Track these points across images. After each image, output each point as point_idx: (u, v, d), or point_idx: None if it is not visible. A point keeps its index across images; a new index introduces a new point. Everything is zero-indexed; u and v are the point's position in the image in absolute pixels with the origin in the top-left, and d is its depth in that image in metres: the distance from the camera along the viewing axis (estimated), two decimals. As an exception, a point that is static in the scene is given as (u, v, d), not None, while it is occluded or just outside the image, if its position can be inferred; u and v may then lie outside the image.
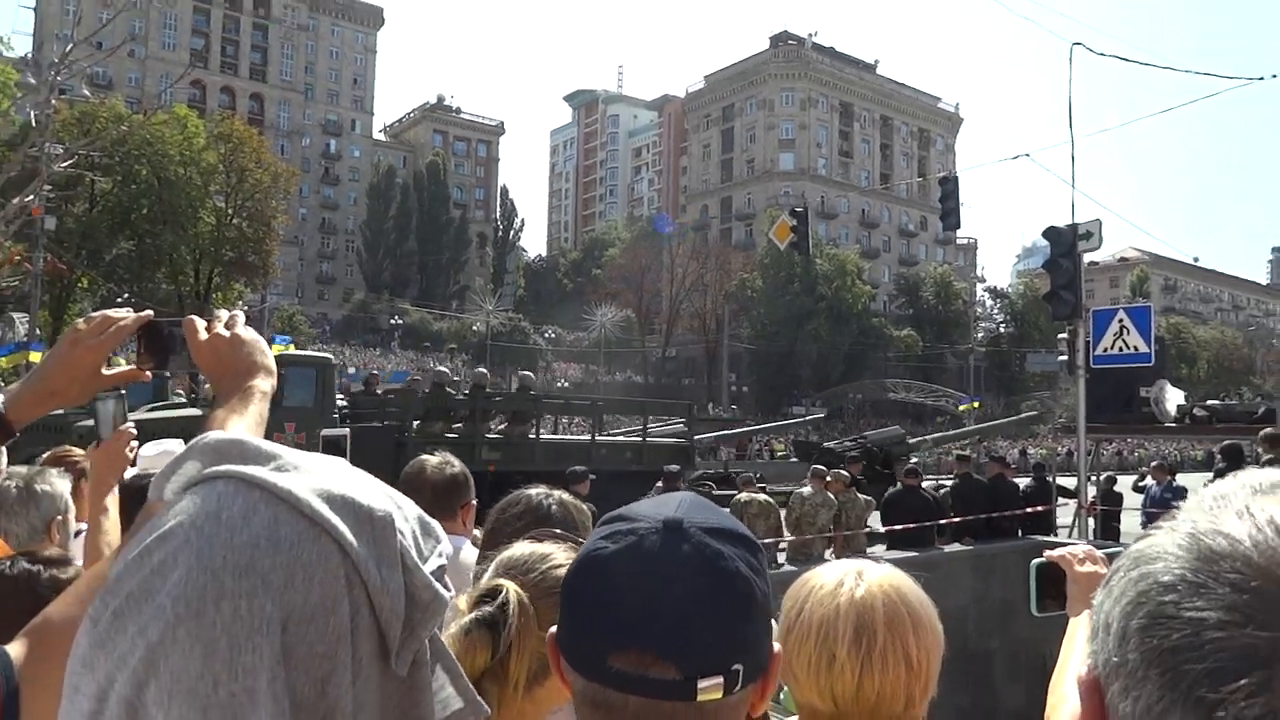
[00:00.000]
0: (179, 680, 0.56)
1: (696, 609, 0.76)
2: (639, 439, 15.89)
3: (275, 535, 0.61)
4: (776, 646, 0.85)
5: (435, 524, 0.73)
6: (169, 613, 0.57)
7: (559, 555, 1.23)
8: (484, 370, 14.26)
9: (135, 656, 0.57)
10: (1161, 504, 12.02)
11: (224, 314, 1.32)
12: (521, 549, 1.26)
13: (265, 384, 1.21)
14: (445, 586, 0.68)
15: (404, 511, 0.69)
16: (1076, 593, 1.45)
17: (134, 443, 2.05)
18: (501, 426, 14.00)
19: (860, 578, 1.26)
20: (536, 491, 2.06)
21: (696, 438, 19.23)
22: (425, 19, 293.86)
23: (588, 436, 15.15)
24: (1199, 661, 0.40)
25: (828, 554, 10.54)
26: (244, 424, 1.10)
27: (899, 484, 11.83)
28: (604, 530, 0.83)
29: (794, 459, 21.77)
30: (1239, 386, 74.00)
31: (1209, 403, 15.40)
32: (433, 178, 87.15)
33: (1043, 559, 1.52)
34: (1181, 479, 13.21)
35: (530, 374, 16.94)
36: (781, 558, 10.34)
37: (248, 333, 1.29)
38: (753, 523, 10.07)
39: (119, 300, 32.70)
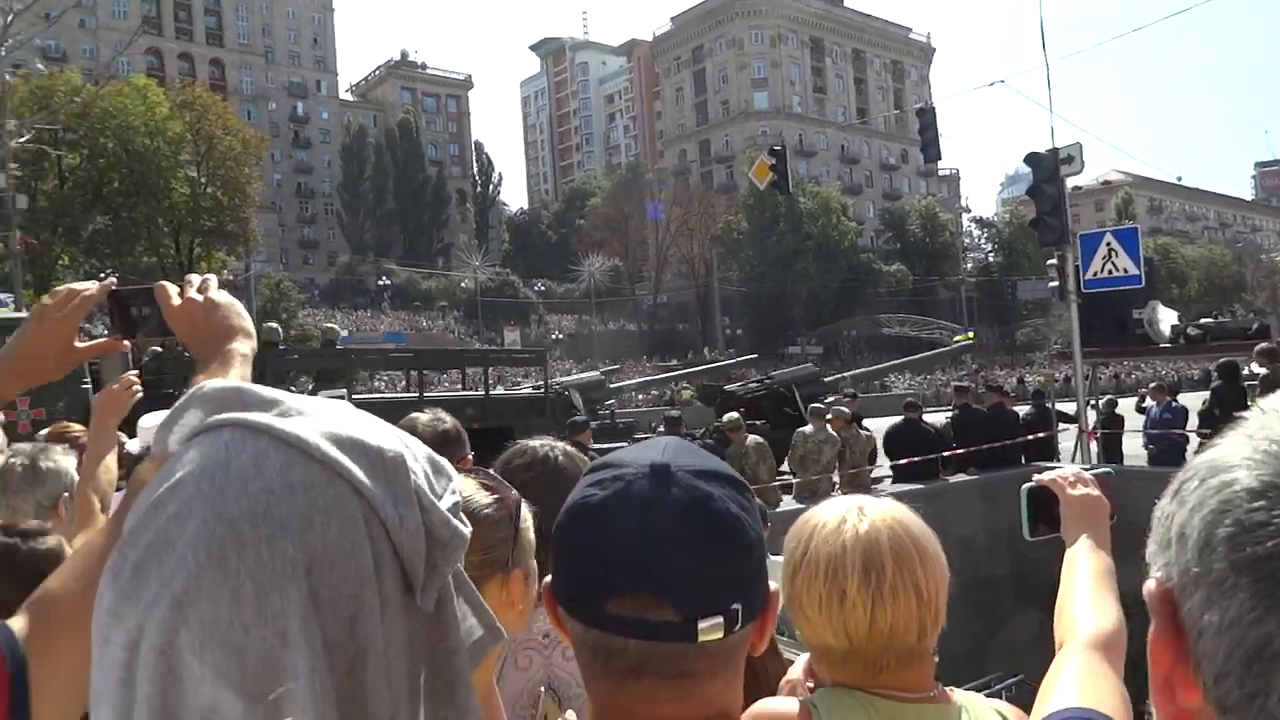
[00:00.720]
0: (210, 629, 0.56)
1: (691, 550, 0.77)
2: (481, 394, 13.52)
3: (289, 481, 0.61)
4: (774, 585, 0.85)
5: (445, 462, 0.73)
6: (190, 562, 0.58)
7: (464, 484, 1.23)
8: (274, 325, 11.79)
9: (162, 606, 0.57)
10: (1162, 424, 12.12)
11: (195, 278, 1.28)
12: None
13: (244, 346, 1.21)
14: (463, 523, 0.69)
15: (413, 451, 0.69)
16: (1070, 515, 1.43)
17: (137, 388, 2.08)
18: (310, 388, 12.11)
19: (862, 513, 1.26)
20: (540, 443, 1.99)
21: (617, 385, 18.28)
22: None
23: (415, 394, 13.01)
24: None
25: (834, 491, 10.61)
26: None
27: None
28: (591, 478, 0.83)
29: (699, 402, 20.55)
30: (1231, 304, 74.43)
31: (1202, 321, 15.45)
32: (405, 136, 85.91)
33: (1033, 484, 1.50)
34: (1181, 399, 13.30)
35: (334, 327, 14.91)
36: (788, 497, 10.41)
37: (222, 296, 1.26)
38: (755, 468, 10.13)
39: (101, 276, 32.36)
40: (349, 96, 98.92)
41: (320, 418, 0.66)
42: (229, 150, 44.06)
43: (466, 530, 0.68)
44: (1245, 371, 11.41)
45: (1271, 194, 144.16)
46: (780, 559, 1.28)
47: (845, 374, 23.40)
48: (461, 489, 0.74)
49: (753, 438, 10.48)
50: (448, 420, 2.69)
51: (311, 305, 64.24)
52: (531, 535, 1.34)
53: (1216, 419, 10.99)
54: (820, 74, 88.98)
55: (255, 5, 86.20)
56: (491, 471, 1.41)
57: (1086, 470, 1.54)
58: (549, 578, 0.84)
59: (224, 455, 0.62)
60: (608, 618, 0.77)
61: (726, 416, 10.84)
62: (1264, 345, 11.14)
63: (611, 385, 17.48)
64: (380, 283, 66.01)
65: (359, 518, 0.62)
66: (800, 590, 1.25)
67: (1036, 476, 1.52)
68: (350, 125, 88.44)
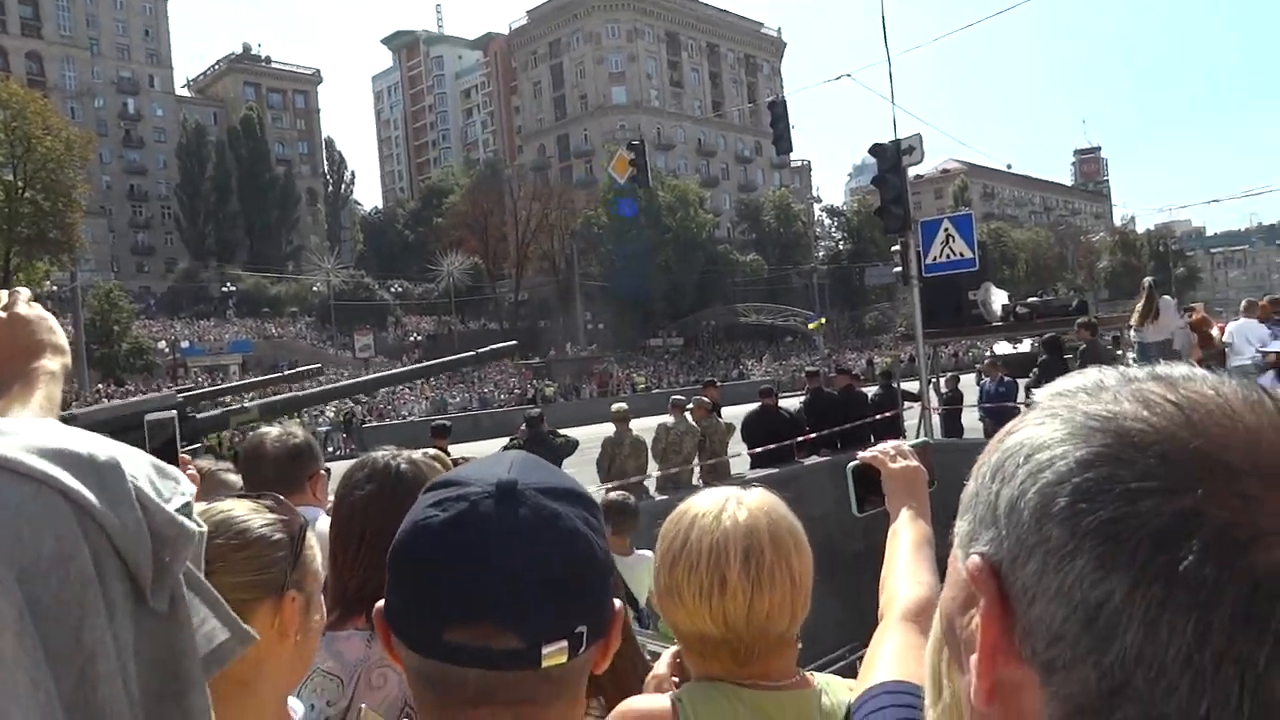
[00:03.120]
0: None
1: (535, 574, 0.73)
2: None
3: None
4: (617, 604, 0.82)
5: (171, 468, 0.72)
6: None
7: (235, 506, 1.23)
8: None
9: None
10: (996, 398, 12.88)
11: (1, 294, 1.22)
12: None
13: (53, 363, 1.14)
14: (196, 523, 0.67)
15: (133, 457, 0.68)
16: (892, 488, 1.48)
17: None
18: None
19: (740, 502, 1.31)
20: (383, 453, 1.91)
21: (317, 390, 17.74)
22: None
23: None
24: (1140, 529, 0.41)
25: (695, 480, 10.76)
26: (28, 411, 1.04)
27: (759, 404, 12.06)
28: (432, 496, 0.78)
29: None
30: (1054, 283, 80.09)
31: (1029, 300, 16.52)
32: (249, 133, 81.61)
33: (857, 461, 1.54)
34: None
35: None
36: (651, 486, 10.48)
37: (30, 310, 1.19)
38: (625, 461, 10.18)
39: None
40: (186, 92, 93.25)
41: (25, 435, 0.64)
42: (50, 152, 40.83)
43: (196, 528, 0.67)
44: (1069, 343, 12.26)
45: (1088, 179, 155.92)
46: (649, 554, 1.27)
47: (245, 405, 23.72)
48: (190, 490, 0.72)
49: (635, 434, 10.48)
50: (299, 434, 2.61)
51: (148, 316, 60.40)
52: (318, 564, 1.28)
53: (1044, 391, 11.75)
54: (677, 68, 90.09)
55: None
56: (280, 497, 1.34)
57: (905, 442, 1.58)
58: (381, 602, 0.79)
59: None
60: (445, 647, 0.73)
61: (614, 406, 10.83)
62: (1083, 319, 12.02)
63: (307, 391, 16.74)
64: (225, 289, 62.62)
65: (73, 524, 0.60)
66: (680, 579, 1.27)
67: (860, 454, 1.55)
68: (188, 122, 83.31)
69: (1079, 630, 0.43)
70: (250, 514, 1.21)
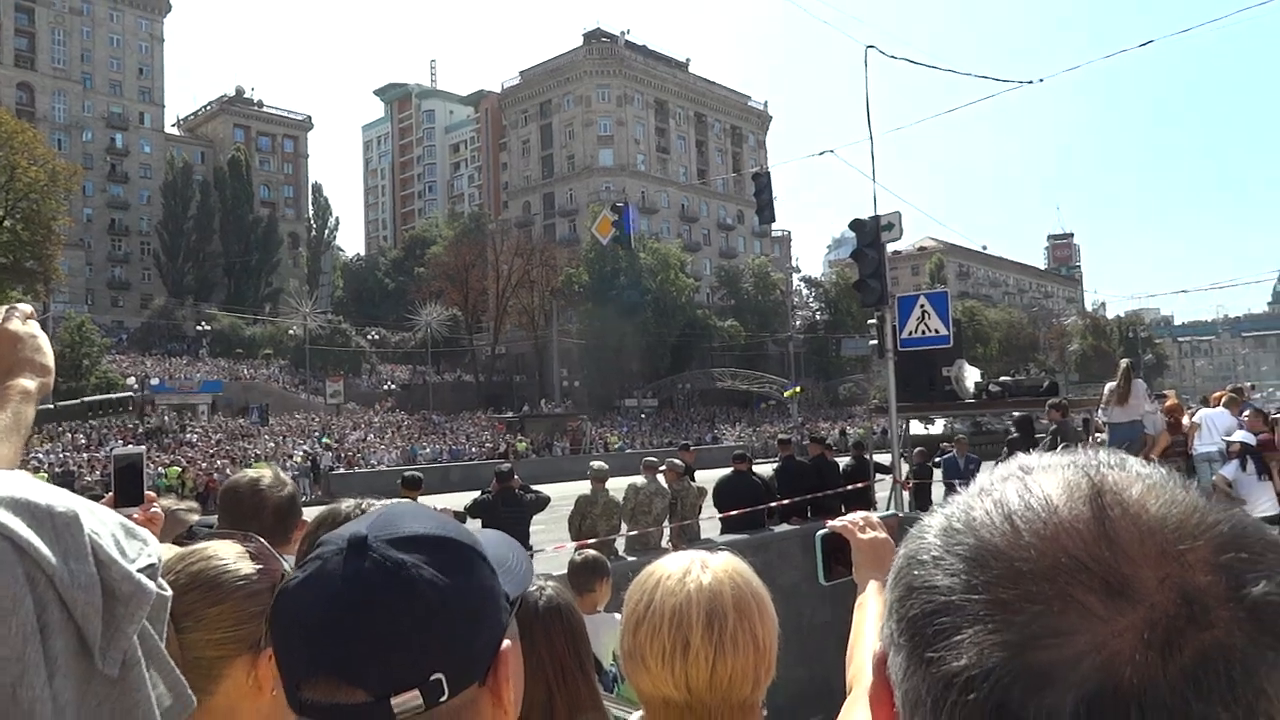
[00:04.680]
0: None
1: (376, 627, 0.74)
2: None
3: None
4: (506, 643, 0.82)
5: (142, 530, 0.70)
6: None
7: (218, 552, 1.19)
8: None
9: None
10: (965, 474, 12.95)
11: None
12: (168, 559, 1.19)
13: (29, 382, 1.12)
14: (160, 586, 0.65)
15: (99, 515, 0.66)
16: (860, 559, 1.49)
17: None
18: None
19: (705, 566, 1.30)
20: (348, 504, 1.94)
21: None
22: (219, 4, 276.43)
23: None
24: (929, 626, 0.45)
25: (664, 542, 10.67)
26: None
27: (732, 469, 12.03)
28: (304, 559, 0.81)
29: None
30: (1026, 362, 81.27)
31: (1002, 379, 16.74)
32: (235, 175, 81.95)
33: (826, 530, 1.55)
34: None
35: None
36: (620, 546, 10.38)
37: (22, 327, 1.19)
38: (596, 520, 10.08)
39: None
40: (175, 130, 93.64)
41: None
42: (34, 182, 40.70)
43: (158, 590, 0.65)
44: (1040, 423, 12.39)
45: (1060, 264, 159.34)
46: (614, 616, 1.26)
47: None
48: (159, 554, 0.70)
49: (611, 494, 10.41)
50: (287, 482, 2.60)
51: (119, 351, 59.65)
52: None
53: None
54: (664, 134, 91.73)
55: (76, 29, 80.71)
56: (264, 541, 1.31)
57: (874, 514, 1.60)
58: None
59: None
60: (302, 703, 0.75)
61: (593, 465, 10.75)
62: (1054, 400, 12.17)
63: None
64: (199, 328, 62.08)
65: (20, 574, 0.58)
66: (643, 642, 1.26)
67: (829, 523, 1.56)
68: (174, 161, 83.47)
69: (909, 715, 0.46)
70: (231, 562, 1.17)
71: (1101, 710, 0.39)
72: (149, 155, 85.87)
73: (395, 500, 0.90)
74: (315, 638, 0.75)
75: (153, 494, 1.85)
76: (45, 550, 0.59)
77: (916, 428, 21.86)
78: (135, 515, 1.76)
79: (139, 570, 0.64)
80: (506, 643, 0.82)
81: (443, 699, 0.75)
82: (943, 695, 0.43)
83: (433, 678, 0.75)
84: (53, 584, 0.59)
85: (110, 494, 1.83)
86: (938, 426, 21.08)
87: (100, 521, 0.65)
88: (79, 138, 78.19)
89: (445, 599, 0.76)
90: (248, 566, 1.18)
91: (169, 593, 0.67)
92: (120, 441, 32.16)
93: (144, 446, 2.29)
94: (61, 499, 0.64)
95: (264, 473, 2.59)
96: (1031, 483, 0.47)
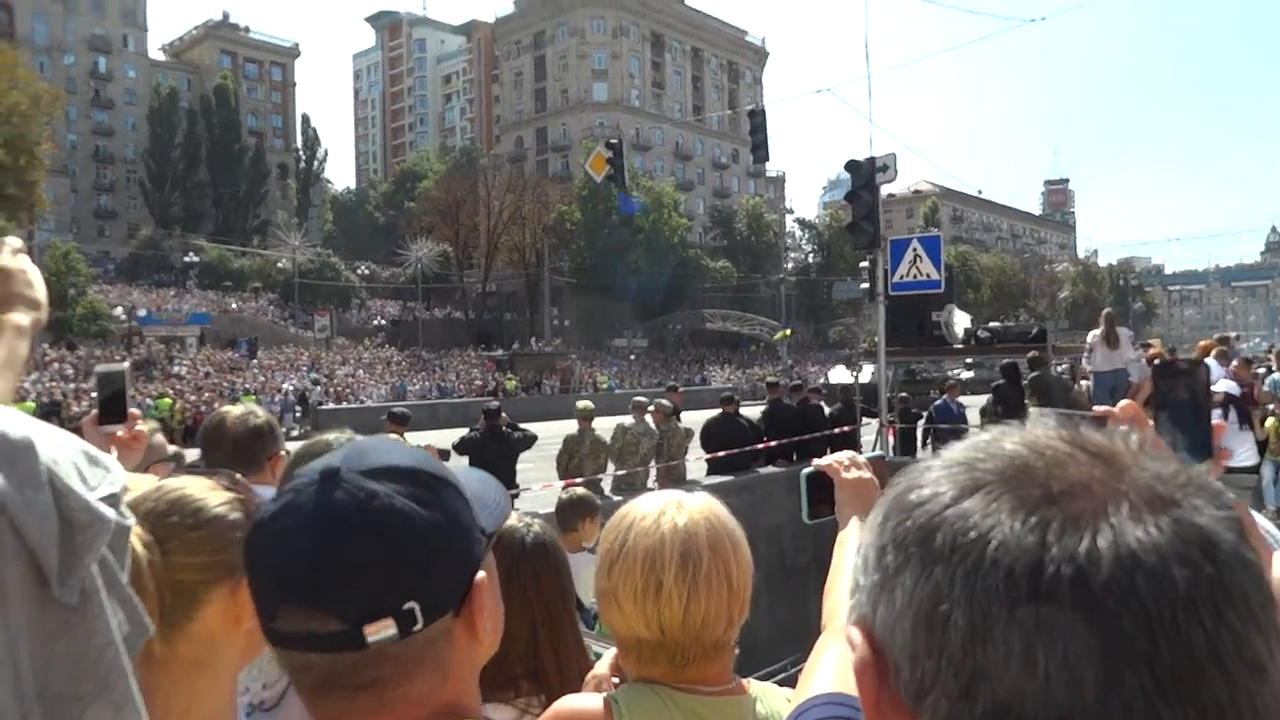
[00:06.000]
0: None
1: (348, 555, 0.75)
2: None
3: None
4: (480, 575, 0.82)
5: (106, 456, 0.69)
6: None
7: (191, 483, 1.20)
8: None
9: None
10: (958, 418, 13.08)
11: None
12: (141, 482, 1.20)
13: (23, 318, 1.12)
14: (119, 512, 0.65)
15: (58, 442, 0.65)
16: (844, 498, 1.48)
17: None
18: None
19: (680, 507, 1.31)
20: (331, 436, 1.95)
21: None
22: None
23: None
24: (941, 524, 0.46)
25: (650, 483, 10.78)
26: None
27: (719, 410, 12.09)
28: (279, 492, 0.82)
29: None
30: (1016, 309, 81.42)
31: (991, 325, 16.78)
32: (222, 103, 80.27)
33: (811, 468, 1.55)
34: (971, 397, 14.39)
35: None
36: (607, 486, 10.47)
37: (12, 261, 1.17)
38: (584, 460, 10.15)
39: None
40: (160, 55, 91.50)
41: None
42: (15, 107, 39.80)
43: (118, 518, 0.64)
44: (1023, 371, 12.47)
45: (1056, 209, 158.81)
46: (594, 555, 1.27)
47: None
48: (121, 481, 0.69)
49: (597, 434, 10.44)
50: (260, 415, 2.59)
51: (105, 281, 59.13)
52: None
53: (999, 415, 11.97)
54: (659, 69, 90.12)
55: (55, -53, 78.21)
56: (236, 475, 1.31)
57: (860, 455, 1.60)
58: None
59: None
60: (278, 634, 0.76)
61: (579, 404, 10.75)
62: (1032, 354, 12.27)
63: None
64: (187, 259, 61.45)
65: None
66: (617, 582, 1.28)
67: (815, 461, 1.56)
68: (160, 87, 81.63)
69: (925, 637, 0.45)
70: (206, 492, 1.17)
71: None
72: (133, 80, 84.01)
73: (368, 438, 0.91)
74: (287, 567, 0.75)
75: (136, 412, 1.83)
76: (2, 479, 0.58)
77: (843, 375, 22.07)
78: (119, 433, 1.77)
79: (100, 499, 0.63)
80: (481, 574, 0.82)
81: (416, 628, 0.76)
82: (974, 570, 0.43)
83: (405, 606, 0.75)
84: (5, 510, 0.58)
85: (95, 413, 1.81)
86: (865, 375, 21.31)
87: (60, 449, 0.64)
88: (61, 61, 76.37)
89: (417, 528, 0.77)
90: (224, 495, 1.19)
91: (130, 521, 0.67)
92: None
93: (127, 363, 2.28)
94: (17, 425, 0.63)
95: (233, 408, 2.60)
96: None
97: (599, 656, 1.65)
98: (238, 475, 1.30)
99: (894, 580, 0.47)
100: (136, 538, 0.99)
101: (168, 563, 1.03)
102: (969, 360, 27.24)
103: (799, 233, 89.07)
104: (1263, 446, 9.71)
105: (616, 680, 1.47)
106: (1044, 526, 0.43)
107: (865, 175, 13.34)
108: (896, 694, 0.47)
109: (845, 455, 1.55)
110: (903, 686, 0.47)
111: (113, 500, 0.65)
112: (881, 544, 0.49)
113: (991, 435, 0.50)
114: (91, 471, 0.65)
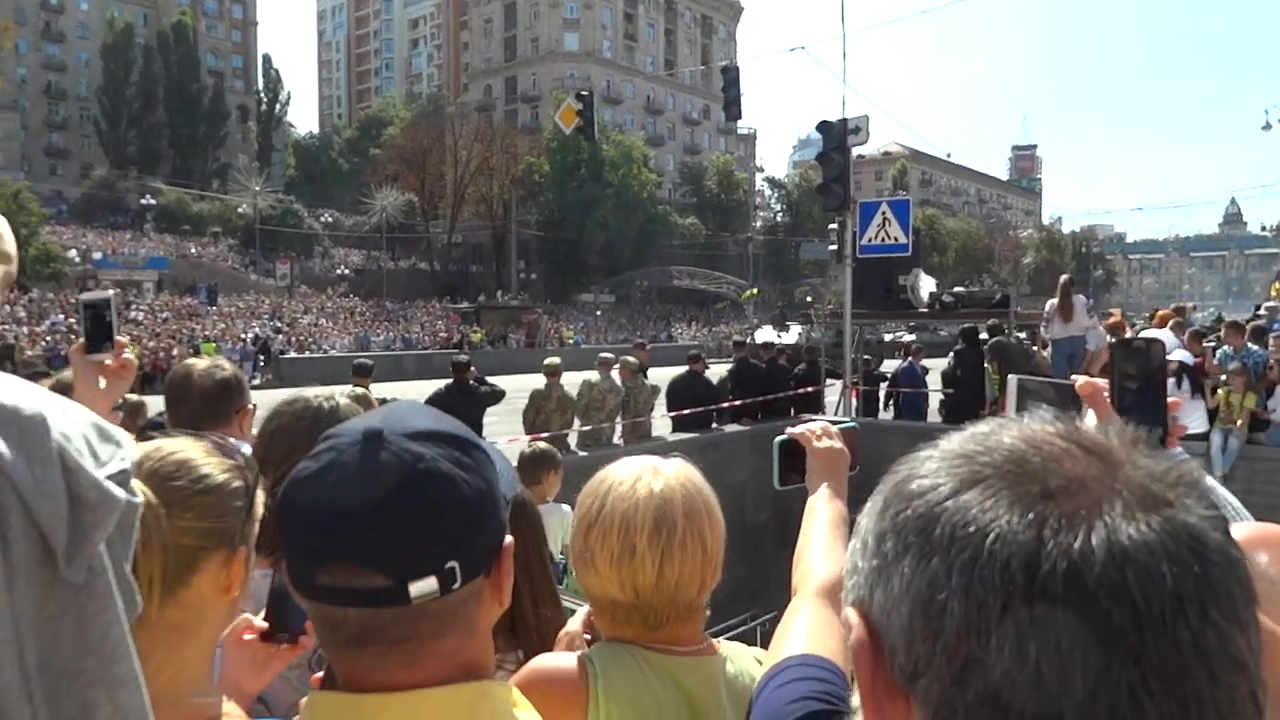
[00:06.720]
0: None
1: (395, 514, 0.77)
2: None
3: None
4: (508, 539, 0.86)
5: (118, 431, 0.69)
6: None
7: (191, 452, 1.18)
8: None
9: None
10: (921, 382, 13.28)
11: None
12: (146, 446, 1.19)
13: None
14: (129, 490, 0.65)
15: (70, 416, 0.64)
16: (815, 466, 1.51)
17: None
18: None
19: (657, 472, 1.33)
20: (316, 394, 1.94)
21: None
22: None
23: None
24: (941, 514, 0.48)
25: (616, 438, 10.83)
26: None
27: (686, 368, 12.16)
28: (313, 449, 0.84)
29: None
30: (981, 273, 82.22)
31: (955, 290, 16.93)
32: (180, 39, 77.71)
33: (784, 436, 1.57)
34: (934, 360, 14.62)
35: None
36: (573, 441, 10.52)
37: None
38: (550, 415, 10.17)
39: None
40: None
41: None
42: (-41, 36, 38.33)
43: (126, 497, 0.64)
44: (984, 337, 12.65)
45: (1023, 175, 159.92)
46: (564, 507, 1.28)
47: None
48: (134, 455, 0.69)
49: (565, 389, 10.44)
50: (227, 368, 2.53)
51: (59, 222, 57.50)
52: (260, 514, 1.25)
53: (958, 379, 12.16)
54: (632, 20, 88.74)
55: None
56: (231, 440, 1.31)
57: (833, 424, 1.62)
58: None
59: None
60: (319, 588, 0.78)
61: (547, 361, 10.72)
62: (992, 321, 12.45)
63: None
64: (143, 202, 59.89)
65: None
66: (594, 545, 1.30)
67: (788, 429, 1.57)
68: (115, 21, 78.74)
69: (922, 623, 0.46)
70: (209, 457, 1.17)
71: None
72: (86, 13, 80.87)
73: (398, 399, 0.90)
74: (334, 525, 0.77)
75: (123, 339, 1.80)
76: (8, 452, 0.58)
77: (768, 334, 22.54)
78: (107, 361, 1.75)
79: (110, 476, 0.63)
80: (509, 538, 0.86)
81: (455, 586, 0.79)
82: (971, 562, 0.45)
83: (448, 565, 0.78)
84: (16, 489, 0.58)
85: (80, 341, 1.77)
86: (791, 335, 21.79)
87: (71, 422, 0.63)
88: (10, -10, 73.35)
89: (461, 492, 0.80)
90: (225, 462, 1.18)
91: (139, 499, 0.65)
92: (81, 292, 31.42)
93: (112, 290, 2.21)
94: (30, 399, 0.62)
95: (198, 361, 2.54)
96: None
97: (572, 613, 1.67)
98: (223, 439, 1.27)
99: (892, 567, 0.49)
100: (144, 498, 0.98)
101: (173, 526, 1.04)
102: (911, 324, 27.67)
103: (768, 191, 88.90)
104: (1213, 415, 10.00)
105: (588, 637, 1.51)
106: (1041, 522, 0.44)
107: (837, 137, 13.33)
108: (891, 675, 0.49)
109: (819, 425, 1.58)
110: (897, 669, 0.48)
111: (123, 478, 0.65)
112: (881, 530, 0.51)
113: (990, 427, 0.51)
114: (103, 447, 0.65)
